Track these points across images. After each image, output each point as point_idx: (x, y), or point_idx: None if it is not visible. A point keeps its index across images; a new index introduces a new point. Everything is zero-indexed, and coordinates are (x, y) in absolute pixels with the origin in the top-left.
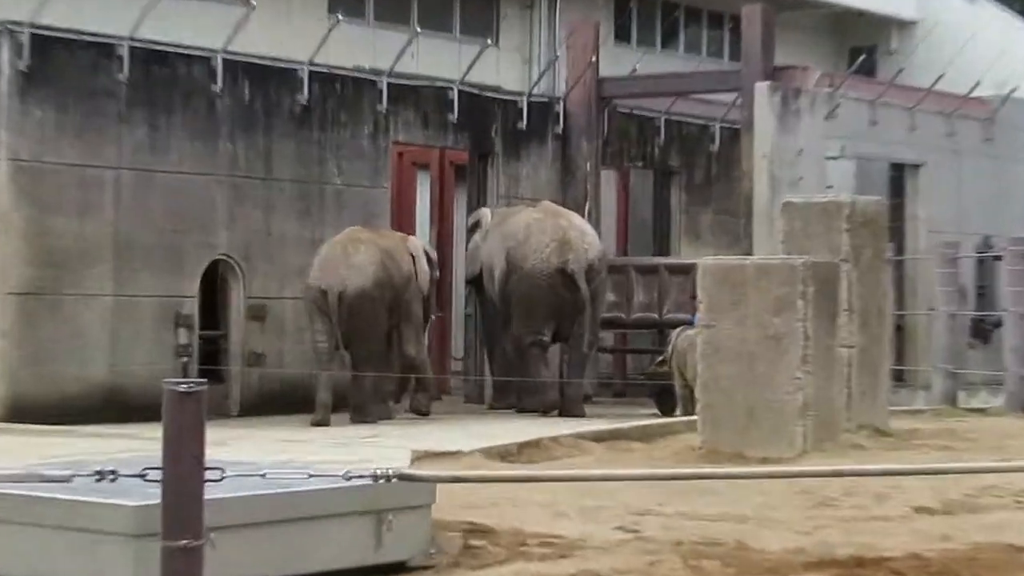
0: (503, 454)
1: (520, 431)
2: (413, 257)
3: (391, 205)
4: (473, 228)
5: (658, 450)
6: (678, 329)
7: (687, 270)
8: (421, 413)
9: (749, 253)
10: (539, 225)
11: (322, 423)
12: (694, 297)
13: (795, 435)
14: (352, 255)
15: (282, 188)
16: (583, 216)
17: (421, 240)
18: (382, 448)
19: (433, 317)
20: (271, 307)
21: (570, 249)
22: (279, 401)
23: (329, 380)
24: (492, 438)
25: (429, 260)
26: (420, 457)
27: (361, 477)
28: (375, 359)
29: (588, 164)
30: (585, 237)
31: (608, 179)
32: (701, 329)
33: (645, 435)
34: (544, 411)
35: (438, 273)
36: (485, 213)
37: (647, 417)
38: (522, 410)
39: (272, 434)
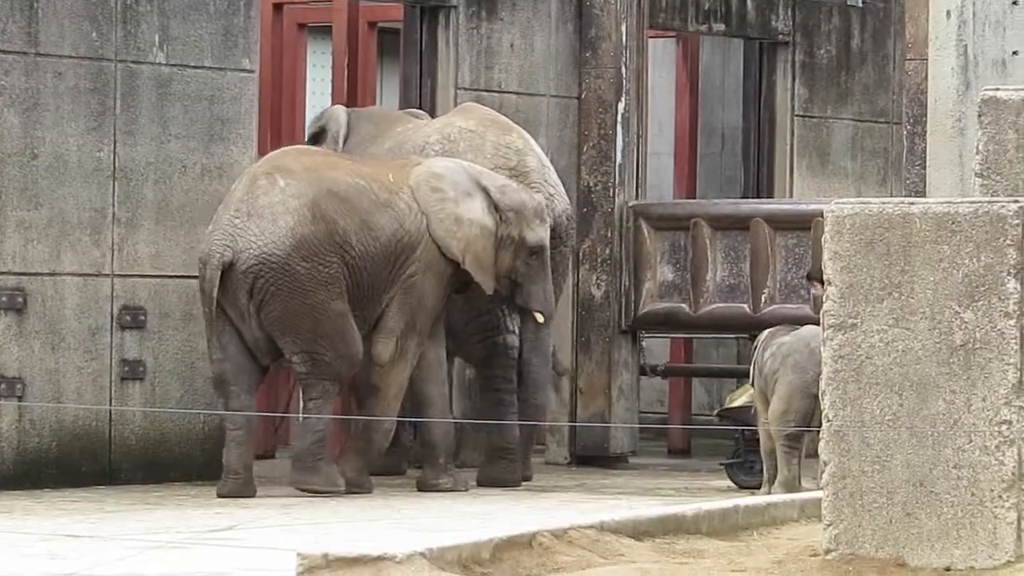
0: (467, 561)
1: (495, 517)
2: (416, 199)
3: (260, 101)
4: (314, 141)
5: (751, 555)
6: (765, 333)
7: (805, 223)
8: (356, 486)
9: (919, 192)
10: (469, 139)
11: (233, 493)
12: (811, 277)
13: (1001, 527)
14: (260, 193)
15: (59, 72)
16: (620, 130)
17: (454, 164)
18: (243, 549)
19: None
20: (38, 291)
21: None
22: (55, 464)
23: (242, 422)
24: (444, 532)
25: (497, 208)
26: (315, 566)
27: None
28: (335, 371)
29: (624, 27)
30: (549, 175)
31: (662, 55)
32: (828, 333)
33: (724, 527)
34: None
35: (543, 232)
36: (337, 116)
37: (726, 493)
38: (491, 481)
39: (42, 525)
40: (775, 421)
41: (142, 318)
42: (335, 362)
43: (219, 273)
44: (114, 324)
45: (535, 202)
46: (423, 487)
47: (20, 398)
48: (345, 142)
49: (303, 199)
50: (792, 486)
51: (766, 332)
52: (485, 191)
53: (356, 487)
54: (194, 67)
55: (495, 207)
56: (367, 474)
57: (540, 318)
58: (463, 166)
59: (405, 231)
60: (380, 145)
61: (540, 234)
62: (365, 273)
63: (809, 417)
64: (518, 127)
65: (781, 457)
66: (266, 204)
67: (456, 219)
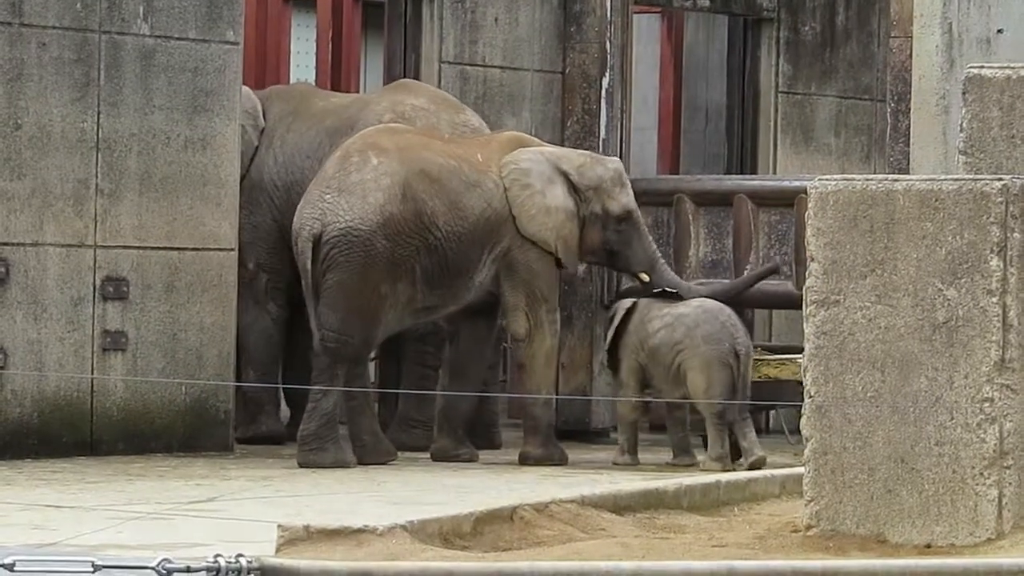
0: (448, 533)
1: (476, 491)
2: (503, 177)
3: (244, 73)
4: None
5: (732, 530)
6: (633, 304)
7: (788, 200)
8: (546, 461)
9: (902, 169)
10: (424, 118)
11: (363, 459)
12: (794, 255)
13: (982, 504)
14: (353, 170)
15: (43, 42)
16: (604, 106)
17: (536, 154)
18: (225, 521)
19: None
20: (20, 262)
21: None
22: (37, 434)
23: (357, 393)
24: (425, 505)
25: (576, 190)
26: (295, 538)
27: (189, 572)
28: (353, 352)
29: (608, 2)
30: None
31: (646, 30)
32: (811, 309)
33: (705, 502)
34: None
35: (626, 197)
36: (248, 95)
37: (702, 467)
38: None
39: (23, 495)
40: (702, 397)
41: (124, 289)
42: (356, 344)
43: (310, 246)
44: (96, 295)
45: (612, 171)
46: (440, 457)
47: (2, 368)
48: (272, 124)
49: (395, 177)
50: (724, 461)
51: (633, 303)
52: (565, 175)
53: (545, 462)
54: (178, 39)
55: (574, 189)
56: (552, 446)
57: (645, 277)
58: (544, 154)
59: (493, 210)
60: (312, 122)
61: (623, 200)
62: (450, 254)
63: (731, 387)
64: (467, 107)
65: (712, 433)
66: (357, 181)
67: (545, 210)
